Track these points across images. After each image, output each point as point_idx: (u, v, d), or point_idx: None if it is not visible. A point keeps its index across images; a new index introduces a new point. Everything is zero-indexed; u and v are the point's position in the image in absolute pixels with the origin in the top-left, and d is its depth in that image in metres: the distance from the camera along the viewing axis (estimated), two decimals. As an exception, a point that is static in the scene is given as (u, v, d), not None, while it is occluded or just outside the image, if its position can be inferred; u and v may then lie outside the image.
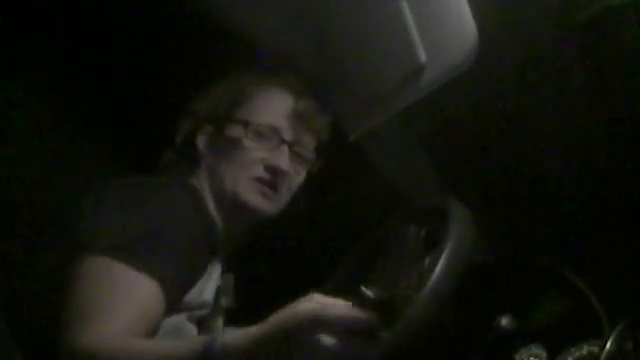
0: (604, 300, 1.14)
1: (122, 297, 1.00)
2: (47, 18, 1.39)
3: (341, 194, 1.67)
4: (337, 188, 1.65)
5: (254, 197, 1.26)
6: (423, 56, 1.35)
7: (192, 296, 1.13)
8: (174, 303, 1.07)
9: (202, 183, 1.29)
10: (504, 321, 1.19)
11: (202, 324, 1.20)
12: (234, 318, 1.27)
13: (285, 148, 1.29)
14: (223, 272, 1.25)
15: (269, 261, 1.65)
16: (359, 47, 1.41)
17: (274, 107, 1.31)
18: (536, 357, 1.17)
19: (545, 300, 1.24)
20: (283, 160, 1.27)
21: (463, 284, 1.07)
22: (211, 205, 1.27)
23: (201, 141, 1.32)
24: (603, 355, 1.02)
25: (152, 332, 1.02)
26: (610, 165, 1.45)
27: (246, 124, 1.28)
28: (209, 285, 1.19)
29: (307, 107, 1.33)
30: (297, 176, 1.33)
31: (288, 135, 1.30)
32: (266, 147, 1.28)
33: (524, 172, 1.57)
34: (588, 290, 1.13)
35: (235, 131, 1.29)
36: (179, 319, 1.13)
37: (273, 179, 1.27)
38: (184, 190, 1.22)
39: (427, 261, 1.12)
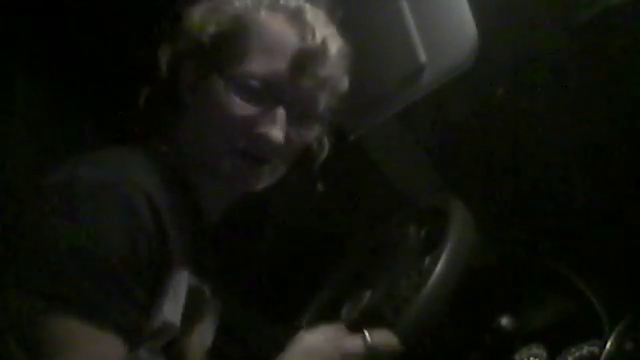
0: (604, 300, 1.14)
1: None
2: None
3: (341, 194, 1.67)
4: (337, 188, 1.65)
5: (236, 172, 1.00)
6: (423, 56, 1.35)
7: (147, 321, 0.92)
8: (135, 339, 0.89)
9: (184, 139, 1.04)
10: (504, 321, 1.19)
11: (170, 349, 0.99)
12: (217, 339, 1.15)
13: (280, 112, 0.99)
14: (191, 285, 1.00)
15: (263, 265, 1.64)
16: (359, 47, 1.41)
17: (272, 50, 0.99)
18: (536, 357, 1.17)
19: (545, 300, 1.24)
20: (276, 130, 0.98)
21: (463, 284, 1.07)
22: (188, 171, 1.04)
23: (185, 80, 1.04)
24: (603, 355, 1.02)
25: None
26: (610, 165, 1.45)
27: (231, 75, 0.99)
28: (171, 303, 0.95)
29: (318, 50, 1.00)
30: (300, 143, 1.04)
31: (289, 92, 0.99)
32: (256, 109, 0.98)
33: (524, 172, 1.57)
34: (588, 290, 1.13)
35: (218, 82, 0.99)
36: (140, 352, 0.93)
37: (261, 151, 1.00)
38: (139, 180, 0.92)
39: (427, 261, 1.12)
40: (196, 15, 1.03)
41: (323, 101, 1.03)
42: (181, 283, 0.97)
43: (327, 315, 1.29)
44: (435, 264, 1.07)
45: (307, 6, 1.02)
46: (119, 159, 0.97)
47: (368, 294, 1.18)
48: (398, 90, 1.41)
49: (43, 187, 0.91)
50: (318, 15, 1.03)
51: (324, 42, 1.00)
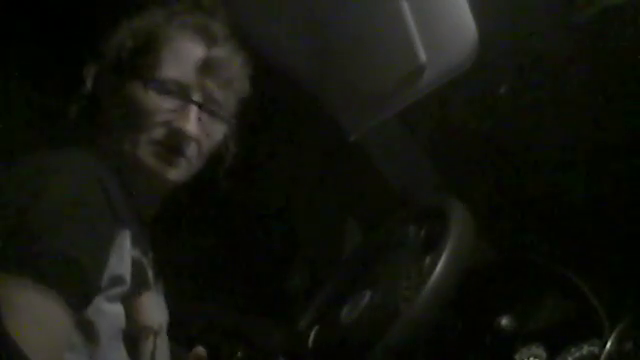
0: (604, 300, 1.14)
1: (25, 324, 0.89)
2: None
3: (341, 194, 1.67)
4: (337, 188, 1.65)
5: (155, 162, 1.12)
6: (423, 56, 1.35)
7: (98, 276, 1.00)
8: (86, 297, 0.97)
9: (109, 140, 1.15)
10: (504, 321, 1.19)
11: (125, 302, 1.08)
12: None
13: (193, 109, 1.14)
14: (133, 255, 1.10)
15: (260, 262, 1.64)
16: (359, 47, 1.41)
17: (182, 58, 1.15)
18: (536, 357, 1.17)
19: (545, 300, 1.24)
20: (189, 124, 1.13)
21: (463, 284, 1.07)
22: (114, 169, 1.12)
23: (104, 93, 1.17)
24: (603, 355, 1.02)
25: (61, 346, 0.94)
26: (610, 165, 1.45)
27: (148, 80, 1.13)
28: (119, 257, 1.05)
29: (221, 57, 1.17)
30: (211, 139, 1.18)
31: (198, 93, 1.15)
32: (171, 107, 1.13)
33: (523, 172, 1.57)
34: (588, 290, 1.13)
35: (136, 86, 1.13)
36: (96, 302, 1.01)
37: (177, 144, 1.13)
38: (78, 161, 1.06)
39: (427, 261, 1.12)
40: (116, 35, 1.17)
41: (228, 102, 1.19)
42: (124, 243, 1.06)
43: (327, 315, 1.29)
44: (435, 264, 1.07)
45: (212, 22, 1.18)
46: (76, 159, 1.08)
47: (368, 294, 1.18)
48: (398, 90, 1.41)
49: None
50: (221, 30, 1.18)
51: (225, 51, 1.17)
